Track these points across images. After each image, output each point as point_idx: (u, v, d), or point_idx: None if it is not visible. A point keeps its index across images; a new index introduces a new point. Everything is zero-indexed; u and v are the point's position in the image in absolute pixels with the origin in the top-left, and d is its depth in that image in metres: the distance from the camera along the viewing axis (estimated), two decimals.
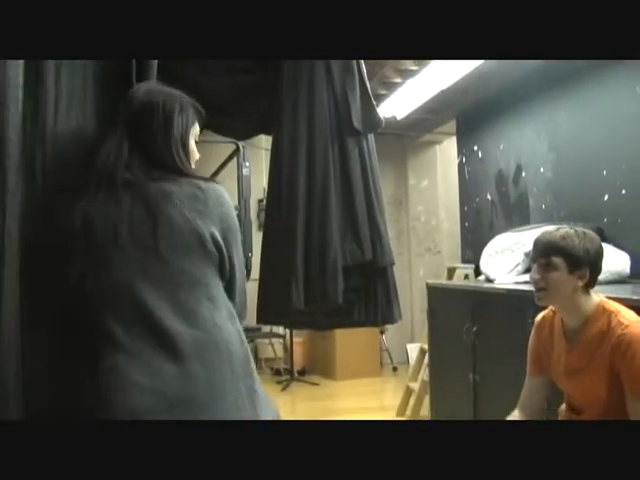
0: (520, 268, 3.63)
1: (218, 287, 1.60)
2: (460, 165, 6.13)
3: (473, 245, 5.37)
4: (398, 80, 5.10)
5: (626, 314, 2.09)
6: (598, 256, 2.14)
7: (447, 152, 6.56)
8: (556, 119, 4.43)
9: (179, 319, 1.50)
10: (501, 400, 3.27)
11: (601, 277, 3.16)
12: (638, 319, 2.06)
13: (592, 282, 2.15)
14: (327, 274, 2.44)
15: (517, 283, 3.51)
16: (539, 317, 2.39)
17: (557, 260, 2.10)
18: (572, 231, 2.14)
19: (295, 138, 2.52)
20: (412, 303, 7.59)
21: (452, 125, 6.31)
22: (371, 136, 2.65)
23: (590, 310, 2.14)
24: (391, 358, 7.63)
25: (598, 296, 2.19)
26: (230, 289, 1.65)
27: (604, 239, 3.39)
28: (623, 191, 3.65)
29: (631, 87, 3.67)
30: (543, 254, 2.14)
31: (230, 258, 1.62)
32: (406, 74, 4.93)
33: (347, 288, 2.47)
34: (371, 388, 6.76)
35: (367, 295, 2.55)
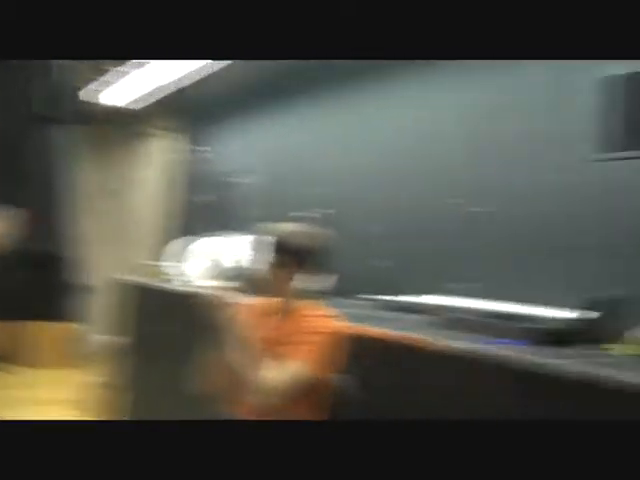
0: (208, 272, 3.80)
1: None
2: (176, 162, 6.18)
3: (176, 243, 5.38)
4: (122, 69, 5.06)
5: (327, 313, 2.31)
6: (309, 252, 2.30)
7: (168, 147, 6.53)
8: (274, 131, 4.81)
9: None
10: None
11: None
12: (336, 320, 2.29)
13: (302, 274, 2.30)
14: None
15: (201, 287, 3.60)
16: (245, 305, 2.43)
17: (276, 256, 2.27)
18: (289, 229, 2.33)
19: None
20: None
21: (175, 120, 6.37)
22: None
23: (296, 303, 2.33)
24: (88, 349, 7.31)
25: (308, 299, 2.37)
26: None
27: None
28: (332, 210, 4.00)
29: (352, 107, 4.18)
30: (272, 252, 2.28)
31: None
32: (131, 64, 4.88)
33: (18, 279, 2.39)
34: (65, 379, 6.45)
35: (36, 286, 2.41)
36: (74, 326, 7.13)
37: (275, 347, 2.22)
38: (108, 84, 5.34)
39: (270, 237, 2.30)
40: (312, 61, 3.73)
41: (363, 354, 2.28)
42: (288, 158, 4.70)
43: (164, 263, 4.86)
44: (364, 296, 3.37)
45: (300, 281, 2.27)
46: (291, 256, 2.26)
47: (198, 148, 5.96)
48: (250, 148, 5.16)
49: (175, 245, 4.50)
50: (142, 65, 4.73)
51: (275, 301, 2.37)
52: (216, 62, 4.24)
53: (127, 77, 5.14)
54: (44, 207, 2.52)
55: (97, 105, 5.61)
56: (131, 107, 5.94)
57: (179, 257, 4.39)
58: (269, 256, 2.28)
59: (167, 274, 4.58)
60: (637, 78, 2.91)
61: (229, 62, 4.17)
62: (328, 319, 2.26)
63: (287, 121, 4.81)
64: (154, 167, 7.11)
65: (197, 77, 4.77)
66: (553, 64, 2.98)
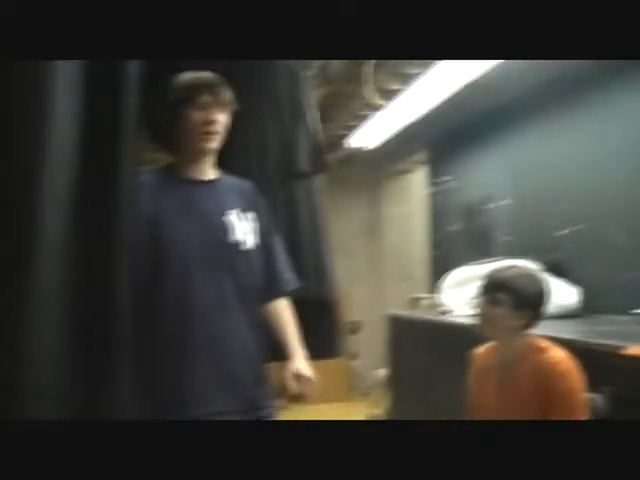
0: (476, 301, 3.69)
1: None
2: (430, 194, 6.19)
3: (440, 275, 5.43)
4: (366, 112, 5.10)
5: (555, 351, 2.17)
6: (541, 299, 2.23)
7: (421, 180, 6.64)
8: (522, 151, 4.51)
9: None
10: None
11: (550, 311, 3.28)
12: (565, 355, 2.15)
13: (532, 323, 2.23)
14: None
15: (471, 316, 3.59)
16: (478, 350, 2.47)
17: (502, 297, 2.18)
18: (522, 272, 2.28)
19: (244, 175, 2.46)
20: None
21: (424, 153, 6.40)
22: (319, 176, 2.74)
23: (523, 347, 2.22)
24: (362, 383, 7.62)
25: (531, 334, 2.27)
26: None
27: (560, 273, 3.44)
28: (581, 226, 3.74)
29: (596, 125, 3.82)
30: (489, 290, 2.25)
31: None
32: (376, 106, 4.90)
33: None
34: (338, 412, 6.76)
35: (309, 329, 2.53)
36: (346, 363, 7.32)
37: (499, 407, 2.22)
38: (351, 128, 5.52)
39: (490, 276, 2.28)
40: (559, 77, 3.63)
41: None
42: (534, 177, 4.44)
43: (438, 295, 4.83)
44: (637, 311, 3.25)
45: (522, 325, 2.20)
46: (510, 297, 2.18)
47: (444, 178, 5.94)
48: (495, 171, 5.01)
49: (450, 276, 4.45)
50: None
51: (498, 349, 2.32)
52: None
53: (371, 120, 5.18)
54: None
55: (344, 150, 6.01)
56: (377, 147, 5.96)
57: (453, 287, 4.36)
58: (490, 297, 2.24)
59: (441, 306, 4.53)
60: None
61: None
62: (551, 355, 2.16)
63: (527, 139, 4.56)
64: (406, 202, 7.29)
65: (434, 112, 4.66)
66: None
